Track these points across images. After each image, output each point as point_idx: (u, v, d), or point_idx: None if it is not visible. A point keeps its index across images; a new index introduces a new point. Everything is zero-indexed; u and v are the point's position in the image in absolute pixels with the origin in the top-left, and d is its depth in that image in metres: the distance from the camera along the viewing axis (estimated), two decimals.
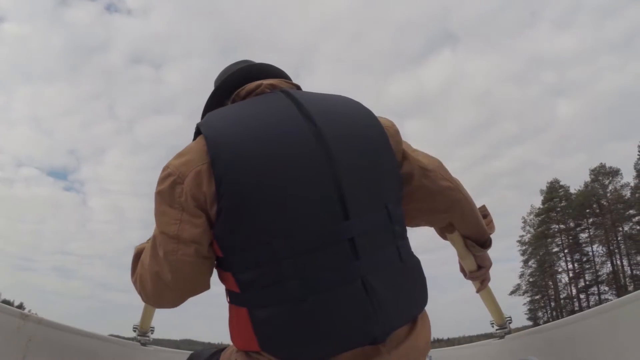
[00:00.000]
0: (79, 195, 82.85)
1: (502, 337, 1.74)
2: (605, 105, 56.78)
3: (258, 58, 1.11)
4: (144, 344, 1.76)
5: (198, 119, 0.96)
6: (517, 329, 1.78)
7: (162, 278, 0.83)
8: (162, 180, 0.84)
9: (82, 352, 1.43)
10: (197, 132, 0.90)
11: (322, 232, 0.78)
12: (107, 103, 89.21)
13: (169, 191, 0.82)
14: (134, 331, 1.74)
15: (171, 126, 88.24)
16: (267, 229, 0.77)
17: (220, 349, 0.98)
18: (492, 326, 1.75)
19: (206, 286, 0.88)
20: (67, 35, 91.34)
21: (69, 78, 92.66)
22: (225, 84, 1.01)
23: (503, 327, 1.71)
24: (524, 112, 64.38)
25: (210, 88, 1.06)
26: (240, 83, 0.99)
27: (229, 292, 0.84)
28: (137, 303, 1.70)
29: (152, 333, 1.76)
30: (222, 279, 0.86)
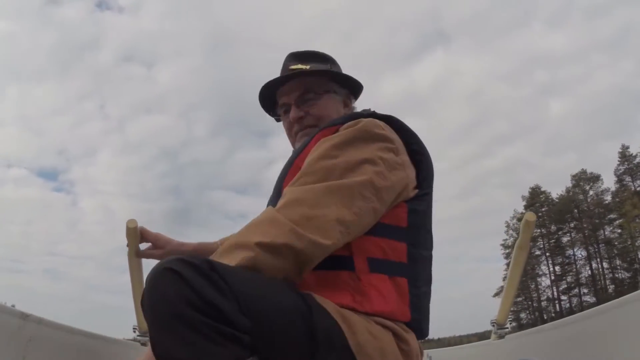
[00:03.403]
0: (69, 196, 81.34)
1: (502, 337, 1.76)
2: (596, 104, 57.48)
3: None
4: (144, 344, 1.74)
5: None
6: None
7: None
8: (378, 136, 0.95)
9: (82, 352, 1.41)
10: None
11: None
12: (98, 102, 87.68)
13: (388, 154, 0.94)
14: (134, 331, 1.73)
15: (162, 126, 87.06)
16: (430, 223, 1.01)
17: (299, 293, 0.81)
18: (493, 326, 1.76)
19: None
20: (57, 33, 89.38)
21: (58, 77, 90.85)
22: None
23: (504, 327, 1.73)
24: (516, 111, 65.01)
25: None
26: None
27: (389, 262, 0.92)
28: (128, 305, 1.67)
29: None
30: (383, 246, 0.92)
